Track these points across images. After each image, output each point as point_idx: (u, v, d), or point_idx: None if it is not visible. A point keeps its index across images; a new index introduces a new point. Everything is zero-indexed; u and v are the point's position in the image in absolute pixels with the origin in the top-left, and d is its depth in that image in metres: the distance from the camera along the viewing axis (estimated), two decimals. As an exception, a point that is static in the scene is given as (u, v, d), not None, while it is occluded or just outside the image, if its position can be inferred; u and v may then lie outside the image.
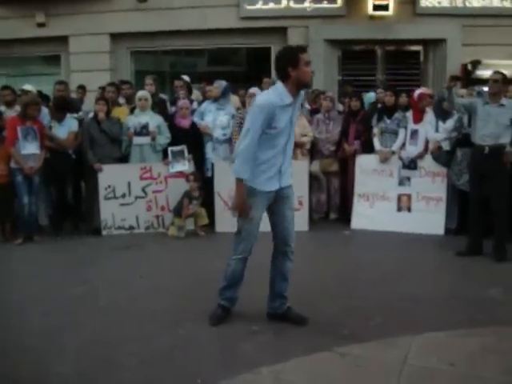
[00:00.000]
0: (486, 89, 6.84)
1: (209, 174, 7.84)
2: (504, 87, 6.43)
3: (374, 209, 7.63)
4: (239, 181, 4.12)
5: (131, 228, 7.72)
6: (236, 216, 4.31)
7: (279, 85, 4.04)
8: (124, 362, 3.79)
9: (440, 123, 7.28)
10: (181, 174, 7.66)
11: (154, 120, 7.80)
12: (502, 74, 6.34)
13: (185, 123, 7.93)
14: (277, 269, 4.48)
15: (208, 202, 7.65)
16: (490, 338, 4.03)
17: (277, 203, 4.30)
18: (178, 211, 7.46)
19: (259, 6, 11.83)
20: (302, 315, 4.41)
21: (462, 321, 4.36)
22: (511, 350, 3.85)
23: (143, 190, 7.73)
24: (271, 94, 4.06)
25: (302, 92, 4.27)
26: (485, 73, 8.42)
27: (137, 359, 3.83)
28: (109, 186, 7.67)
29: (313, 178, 8.01)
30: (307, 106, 8.95)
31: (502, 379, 3.46)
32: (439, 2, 11.56)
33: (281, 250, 4.43)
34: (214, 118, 7.93)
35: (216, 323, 4.39)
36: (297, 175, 7.47)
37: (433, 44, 11.77)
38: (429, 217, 7.31)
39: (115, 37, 12.36)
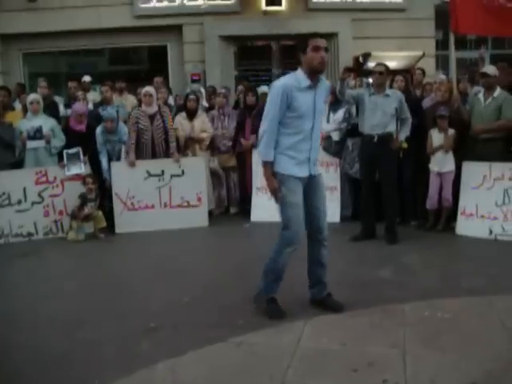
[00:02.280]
0: (370, 80, 7.12)
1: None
2: (388, 78, 6.74)
3: (272, 201, 7.72)
4: (265, 164, 4.21)
5: (30, 235, 7.49)
6: (277, 202, 4.33)
7: (298, 70, 4.21)
8: (21, 369, 3.72)
9: (331, 114, 7.52)
10: (77, 176, 7.51)
11: (47, 123, 7.62)
12: (385, 65, 6.65)
13: (81, 127, 7.77)
14: (313, 256, 4.49)
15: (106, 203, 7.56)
16: (378, 316, 4.25)
17: (308, 192, 4.32)
18: (74, 216, 7.32)
19: (153, 4, 11.77)
20: (340, 302, 4.45)
21: (353, 302, 4.53)
22: (397, 325, 4.07)
23: (39, 195, 7.51)
24: (288, 77, 4.24)
25: (324, 80, 4.32)
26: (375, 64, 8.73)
27: (32, 365, 3.76)
28: (3, 193, 7.41)
29: (212, 173, 8.08)
30: (204, 103, 9.02)
31: (388, 352, 3.67)
32: (330, -3, 11.91)
33: (314, 238, 4.44)
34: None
35: (281, 316, 4.31)
36: (195, 172, 7.62)
37: (325, 38, 11.90)
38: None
39: (5, 38, 11.92)
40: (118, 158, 7.76)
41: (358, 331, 4.02)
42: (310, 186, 4.31)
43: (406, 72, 9.35)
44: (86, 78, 9.42)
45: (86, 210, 7.29)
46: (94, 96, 9.31)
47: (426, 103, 7.50)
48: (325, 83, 4.31)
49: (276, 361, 3.61)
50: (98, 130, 7.64)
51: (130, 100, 8.96)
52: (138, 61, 13.48)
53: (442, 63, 13.13)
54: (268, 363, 3.59)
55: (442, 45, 13.07)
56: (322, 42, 4.14)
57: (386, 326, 4.09)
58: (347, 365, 3.51)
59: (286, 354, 3.68)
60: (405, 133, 6.49)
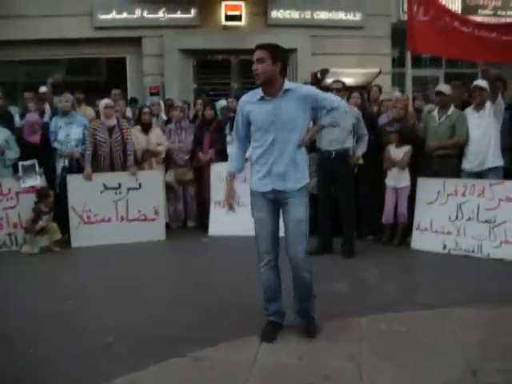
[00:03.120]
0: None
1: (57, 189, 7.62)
2: (345, 94, 6.84)
3: (230, 215, 7.74)
4: (228, 174, 4.32)
5: (-18, 248, 7.33)
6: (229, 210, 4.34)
7: None
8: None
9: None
10: (32, 189, 7.38)
11: (1, 134, 7.47)
12: (341, 82, 6.75)
13: (34, 139, 7.66)
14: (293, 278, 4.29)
15: (62, 216, 7.45)
16: (335, 329, 4.29)
17: (282, 209, 4.15)
18: (29, 229, 7.20)
19: (113, 15, 11.70)
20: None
21: (311, 316, 4.58)
22: (353, 339, 4.11)
23: (-7, 207, 7.37)
24: (249, 92, 4.16)
25: (299, 88, 4.05)
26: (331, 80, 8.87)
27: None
28: (-45, 206, 7.23)
29: (168, 187, 8.05)
30: (163, 116, 8.99)
31: (344, 365, 3.71)
32: (289, 14, 12.08)
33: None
34: (67, 133, 7.72)
35: (266, 339, 4.11)
36: (152, 185, 7.59)
37: (284, 54, 12.22)
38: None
39: (-37, 46, 11.67)
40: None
41: (314, 345, 4.04)
42: (281, 202, 4.11)
43: (363, 88, 9.52)
44: (43, 89, 9.26)
45: (41, 223, 7.17)
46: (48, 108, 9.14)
47: (383, 120, 7.64)
48: (298, 92, 3.99)
49: (235, 375, 3.61)
50: None
51: (87, 112, 8.84)
52: (96, 72, 13.36)
53: (398, 80, 13.42)
54: (227, 378, 3.60)
55: (397, 62, 13.38)
56: (256, 55, 3.98)
57: (342, 339, 4.13)
58: (304, 379, 3.54)
59: (244, 368, 3.68)
60: (362, 149, 6.62)
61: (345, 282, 5.59)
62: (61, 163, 7.69)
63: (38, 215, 7.19)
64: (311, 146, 7.11)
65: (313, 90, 4.12)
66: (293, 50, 12.00)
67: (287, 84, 4.00)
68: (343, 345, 4.02)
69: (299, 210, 4.06)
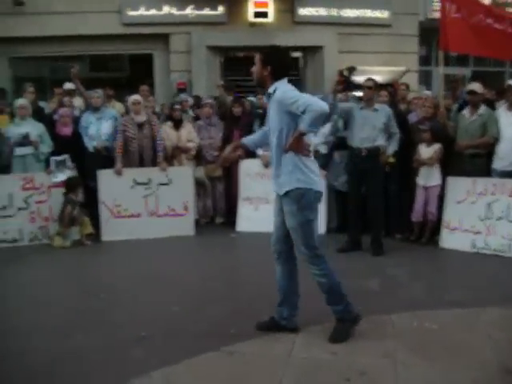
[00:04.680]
0: (359, 94, 7.21)
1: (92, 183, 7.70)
2: (376, 93, 6.86)
3: (259, 212, 7.80)
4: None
5: (14, 241, 7.42)
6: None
7: None
8: (10, 377, 3.70)
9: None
10: (64, 183, 7.48)
11: (35, 129, 7.59)
12: (373, 80, 6.75)
13: (66, 131, 7.79)
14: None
15: (93, 211, 7.55)
16: (368, 326, 4.30)
17: None
18: (61, 220, 7.30)
19: (141, 12, 11.79)
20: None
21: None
22: (387, 336, 4.15)
23: (25, 201, 7.46)
24: None
25: (278, 92, 3.94)
26: (360, 78, 8.86)
27: (23, 374, 3.75)
28: (-12, 199, 7.37)
29: (198, 183, 8.11)
30: (191, 113, 9.04)
31: (379, 362, 3.74)
32: (317, 11, 12.06)
33: None
34: (98, 128, 7.82)
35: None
36: (182, 181, 7.65)
37: (311, 51, 12.25)
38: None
39: (-10, 42, 11.85)
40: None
41: (347, 341, 4.06)
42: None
43: (390, 87, 9.50)
44: (67, 85, 9.36)
45: (74, 212, 7.28)
46: (79, 102, 9.26)
47: (412, 118, 7.61)
48: (275, 96, 3.96)
49: (269, 370, 3.65)
50: None
51: (117, 107, 8.94)
52: (122, 68, 13.48)
53: (424, 79, 13.37)
54: (262, 373, 3.64)
55: (424, 61, 13.35)
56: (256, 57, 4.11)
57: (375, 336, 4.16)
58: (340, 374, 3.57)
59: (279, 363, 3.73)
60: (393, 147, 6.61)
61: (375, 280, 5.61)
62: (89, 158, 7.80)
63: (69, 204, 7.28)
64: (340, 144, 7.18)
65: (285, 93, 3.91)
66: (319, 48, 12.04)
67: (272, 87, 4.01)
68: (377, 341, 4.05)
69: (288, 219, 4.07)
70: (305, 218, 4.00)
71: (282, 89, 3.95)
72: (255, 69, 4.08)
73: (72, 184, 7.36)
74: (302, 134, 3.83)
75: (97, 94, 7.98)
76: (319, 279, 4.12)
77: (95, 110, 7.92)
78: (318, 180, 4.07)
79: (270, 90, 4.01)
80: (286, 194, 4.02)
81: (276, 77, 4.02)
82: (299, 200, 3.98)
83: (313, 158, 4.09)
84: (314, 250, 4.06)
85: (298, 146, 3.88)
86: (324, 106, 3.74)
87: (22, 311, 4.98)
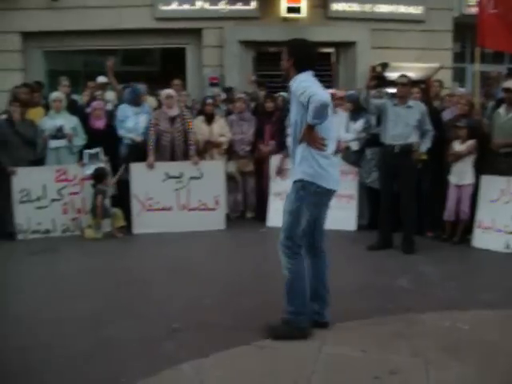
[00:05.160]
0: (392, 90, 7.15)
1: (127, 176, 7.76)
2: (410, 90, 6.79)
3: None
4: None
5: (47, 232, 7.58)
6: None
7: None
8: (46, 365, 3.76)
9: (351, 123, 7.57)
10: (91, 175, 7.55)
11: (69, 122, 7.71)
12: (407, 77, 6.68)
13: (99, 124, 7.88)
14: None
15: (124, 204, 7.64)
16: (399, 324, 4.29)
17: None
18: (94, 211, 7.40)
19: (174, 6, 11.82)
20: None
21: (373, 310, 4.60)
22: (418, 335, 4.11)
23: (59, 192, 7.60)
24: None
25: (290, 87, 4.04)
26: (392, 75, 8.78)
27: (59, 362, 3.81)
28: (23, 190, 7.49)
29: (229, 178, 8.14)
30: (224, 107, 9.07)
31: (410, 361, 3.71)
32: (350, 7, 11.94)
33: None
34: (136, 121, 7.88)
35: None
36: (213, 175, 7.69)
37: (343, 46, 12.15)
38: (341, 213, 7.48)
39: (27, 36, 11.98)
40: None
41: (378, 339, 4.05)
42: None
43: (423, 83, 9.40)
44: (101, 79, 9.45)
45: (105, 202, 7.39)
46: (111, 96, 9.35)
47: (446, 115, 7.53)
48: (292, 88, 4.03)
49: (300, 366, 3.65)
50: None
51: (150, 101, 9.00)
52: (155, 63, 13.54)
53: (458, 75, 13.18)
54: (292, 368, 3.63)
55: (458, 57, 13.15)
56: None
57: (406, 334, 4.12)
58: (369, 372, 3.55)
59: (309, 359, 3.73)
60: (426, 144, 6.54)
61: (406, 278, 5.56)
62: (124, 151, 7.88)
63: (100, 195, 7.38)
64: (373, 141, 7.13)
65: (298, 85, 3.93)
66: (352, 43, 11.94)
67: (293, 80, 4.02)
68: (407, 340, 4.02)
69: (287, 201, 4.13)
70: (296, 208, 4.02)
71: (298, 80, 3.97)
72: (283, 62, 4.13)
73: (99, 175, 7.45)
74: (311, 127, 3.84)
75: (143, 90, 8.08)
76: (285, 272, 4.10)
77: (136, 104, 7.97)
78: (326, 175, 4.00)
79: (291, 82, 4.03)
80: (294, 182, 4.07)
81: (299, 69, 4.04)
82: (298, 190, 4.02)
83: (329, 152, 4.03)
84: (292, 244, 4.06)
85: (308, 138, 3.89)
86: (323, 98, 3.72)
87: (54, 301, 5.06)
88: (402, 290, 5.25)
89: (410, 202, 6.60)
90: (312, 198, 4.02)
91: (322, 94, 3.76)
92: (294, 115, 4.04)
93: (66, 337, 4.25)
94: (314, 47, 4.28)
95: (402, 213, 6.66)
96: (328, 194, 4.09)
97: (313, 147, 3.92)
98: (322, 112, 3.73)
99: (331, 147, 4.10)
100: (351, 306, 4.72)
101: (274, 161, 7.95)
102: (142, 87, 8.15)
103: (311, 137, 3.87)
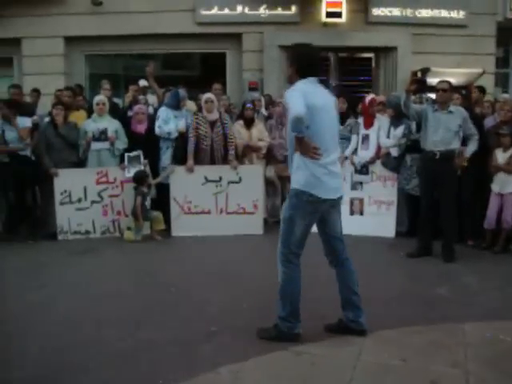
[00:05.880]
0: (433, 96, 7.06)
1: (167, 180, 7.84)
2: (451, 95, 6.70)
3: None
4: None
5: (87, 233, 7.71)
6: None
7: None
8: (85, 365, 3.82)
9: (391, 129, 7.51)
10: (132, 178, 7.66)
11: (112, 125, 7.83)
12: (448, 82, 6.60)
13: (141, 128, 7.99)
14: None
15: (164, 207, 7.72)
16: (439, 333, 4.23)
17: None
18: (134, 213, 7.49)
19: (215, 11, 11.94)
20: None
21: (411, 318, 4.55)
22: (458, 345, 4.04)
23: (99, 194, 7.72)
24: None
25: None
26: (433, 80, 8.69)
27: (98, 362, 3.86)
28: (65, 191, 7.64)
29: (268, 182, 8.15)
30: (264, 112, 9.10)
31: (450, 371, 3.65)
32: (390, 11, 11.89)
33: None
34: (176, 125, 7.96)
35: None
36: (252, 179, 7.71)
37: (384, 51, 12.09)
38: (380, 220, 7.52)
39: (69, 40, 12.26)
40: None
41: (417, 348, 4.00)
42: None
43: (463, 89, 9.27)
44: (142, 83, 9.57)
45: (146, 203, 7.48)
46: (152, 100, 9.46)
47: (489, 122, 7.40)
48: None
49: (338, 373, 3.64)
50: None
51: (189, 105, 9.08)
52: (195, 67, 13.66)
53: (501, 81, 12.98)
54: (330, 375, 3.63)
55: (502, 62, 12.94)
56: None
57: (446, 344, 4.06)
58: (409, 382, 3.52)
59: (347, 366, 3.71)
60: (472, 148, 6.42)
61: (446, 287, 5.48)
62: (166, 154, 7.95)
63: (140, 196, 7.46)
64: (413, 147, 7.06)
65: (288, 93, 3.90)
66: (393, 48, 11.87)
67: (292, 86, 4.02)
68: (447, 350, 3.96)
69: (283, 209, 4.22)
70: (289, 216, 4.07)
71: (292, 88, 3.97)
72: (288, 68, 4.18)
73: (139, 177, 7.53)
74: (296, 138, 3.82)
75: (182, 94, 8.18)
76: (279, 278, 4.19)
77: (177, 107, 8.06)
78: (319, 184, 3.97)
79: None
80: (292, 188, 4.11)
81: (301, 75, 4.03)
82: (291, 198, 4.07)
83: (328, 160, 3.97)
84: (288, 252, 4.12)
85: (300, 148, 3.87)
86: (296, 111, 3.68)
87: (94, 302, 5.14)
88: (442, 298, 5.18)
89: (450, 209, 6.50)
90: (305, 206, 4.02)
91: (297, 108, 3.71)
92: (289, 123, 4.01)
93: (105, 337, 4.31)
94: (317, 53, 4.30)
95: (442, 220, 6.56)
96: (323, 203, 4.04)
97: (306, 156, 3.90)
98: (295, 124, 3.73)
99: (332, 156, 4.05)
100: (389, 313, 4.68)
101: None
102: (182, 91, 8.22)
103: (302, 146, 3.85)
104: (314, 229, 4.19)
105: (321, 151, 3.87)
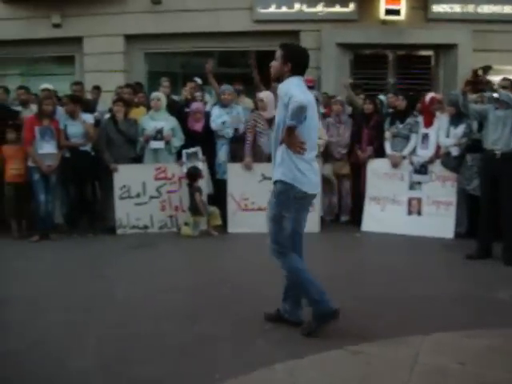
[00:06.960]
0: (495, 95, 6.90)
1: (223, 176, 7.93)
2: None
3: (385, 212, 7.74)
4: None
5: (145, 227, 7.87)
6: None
7: None
8: (143, 357, 3.89)
9: (451, 128, 7.38)
10: (186, 174, 7.76)
11: (168, 123, 7.95)
12: (510, 80, 6.43)
13: (198, 127, 8.08)
14: None
15: (221, 203, 7.80)
16: (498, 339, 4.12)
17: None
18: (194, 209, 7.58)
19: (272, 9, 11.95)
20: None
21: (470, 322, 4.47)
22: (517, 351, 3.95)
23: (158, 190, 7.87)
24: None
25: (279, 89, 4.13)
26: (495, 78, 8.50)
27: (155, 354, 3.94)
28: (124, 186, 7.83)
29: (324, 180, 8.12)
30: (321, 110, 9.06)
31: (508, 377, 3.56)
32: (451, 8, 11.65)
33: None
34: (224, 120, 8.03)
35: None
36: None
37: (444, 49, 11.86)
38: (439, 220, 7.41)
39: (129, 38, 12.50)
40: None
41: (476, 352, 3.91)
42: None
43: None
44: (199, 80, 9.65)
45: (204, 199, 7.60)
46: (208, 97, 9.54)
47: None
48: (278, 91, 4.16)
49: (393, 374, 3.59)
50: None
51: (247, 103, 9.14)
52: (247, 64, 13.63)
53: None
54: (385, 375, 3.58)
55: None
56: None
57: (504, 350, 3.95)
58: (468, 385, 3.46)
59: (403, 367, 3.66)
60: None
61: (507, 291, 5.30)
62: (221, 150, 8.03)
63: (197, 192, 7.57)
64: (474, 147, 6.92)
65: (282, 87, 4.02)
66: (453, 46, 11.63)
67: (283, 83, 4.07)
68: (505, 356, 3.85)
69: (269, 207, 4.32)
70: (278, 213, 4.16)
71: (290, 83, 4.04)
72: (275, 64, 4.17)
73: (193, 174, 7.64)
74: (291, 129, 3.86)
75: (228, 91, 8.19)
76: (284, 272, 4.36)
77: (225, 106, 8.12)
78: (304, 180, 4.09)
79: (281, 85, 4.10)
80: (275, 183, 4.20)
81: (294, 74, 4.10)
82: (279, 194, 4.15)
83: (310, 157, 4.09)
84: (279, 247, 4.25)
85: (288, 140, 3.92)
86: (300, 100, 3.77)
87: (150, 296, 5.24)
88: (501, 302, 5.04)
89: (511, 209, 6.34)
90: (292, 202, 4.15)
91: (300, 97, 3.81)
92: (278, 117, 4.11)
93: (161, 330, 4.39)
94: (307, 54, 4.30)
95: (503, 221, 6.41)
96: (308, 197, 4.26)
97: (292, 150, 3.97)
98: (298, 114, 3.80)
99: (312, 153, 4.17)
100: (447, 315, 4.61)
101: (372, 164, 7.88)
102: (227, 88, 8.26)
103: (291, 139, 3.92)
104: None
105: (306, 146, 3.98)
